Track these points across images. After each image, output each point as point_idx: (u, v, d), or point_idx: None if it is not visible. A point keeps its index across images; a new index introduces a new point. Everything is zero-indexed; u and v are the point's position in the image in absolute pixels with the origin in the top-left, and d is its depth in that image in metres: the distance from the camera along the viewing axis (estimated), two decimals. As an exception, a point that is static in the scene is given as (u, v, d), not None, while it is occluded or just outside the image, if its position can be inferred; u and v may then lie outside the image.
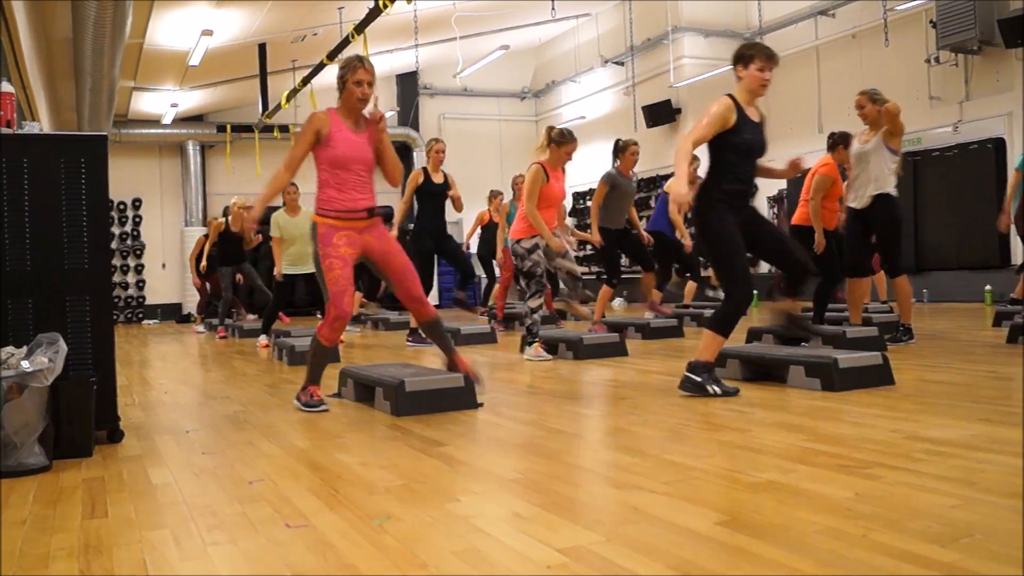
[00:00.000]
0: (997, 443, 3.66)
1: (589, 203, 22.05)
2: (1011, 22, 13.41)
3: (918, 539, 2.44)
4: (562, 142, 8.02)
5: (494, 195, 13.94)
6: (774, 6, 18.34)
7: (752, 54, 5.58)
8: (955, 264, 14.98)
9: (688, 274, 12.22)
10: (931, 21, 14.92)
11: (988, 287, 13.98)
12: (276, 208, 11.04)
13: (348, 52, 14.24)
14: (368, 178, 5.55)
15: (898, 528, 2.55)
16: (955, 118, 15.02)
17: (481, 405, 5.32)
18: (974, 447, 3.60)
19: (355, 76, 5.45)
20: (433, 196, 10.10)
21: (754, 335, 8.09)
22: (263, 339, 10.98)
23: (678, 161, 5.23)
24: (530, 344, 8.25)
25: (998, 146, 14.27)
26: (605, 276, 9.75)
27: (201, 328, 15.56)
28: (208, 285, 15.37)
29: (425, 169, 10.03)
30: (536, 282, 8.04)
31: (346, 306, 5.42)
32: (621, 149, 9.73)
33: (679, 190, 5.27)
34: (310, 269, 10.66)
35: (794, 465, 3.42)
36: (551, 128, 8.19)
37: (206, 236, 14.92)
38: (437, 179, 10.05)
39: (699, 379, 5.41)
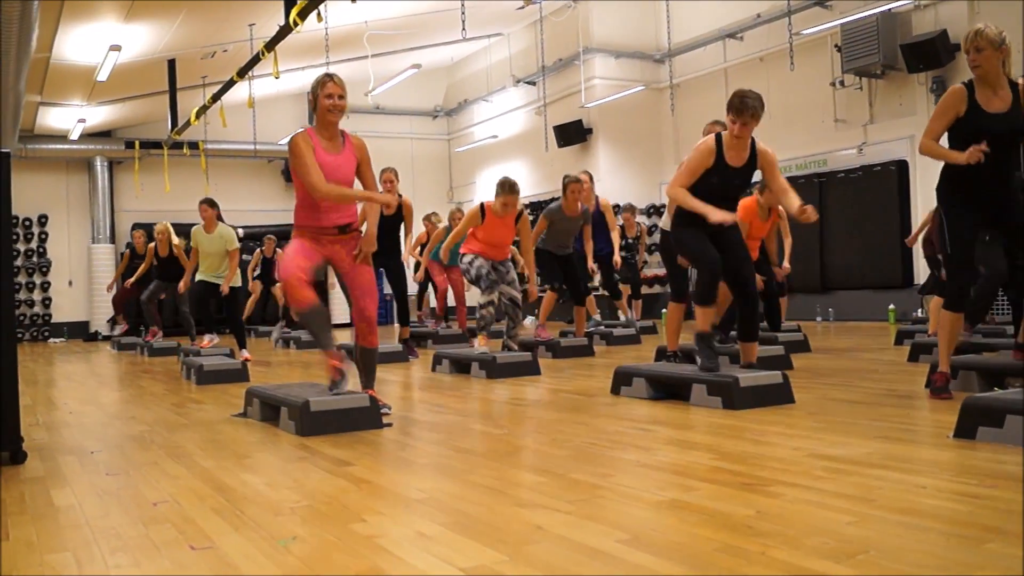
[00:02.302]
0: (893, 460, 3.75)
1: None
2: (913, 47, 13.77)
3: (815, 556, 2.50)
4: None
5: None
6: (683, 29, 18.61)
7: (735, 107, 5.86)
8: (859, 284, 15.30)
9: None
10: (836, 45, 15.25)
11: (892, 306, 14.29)
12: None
13: (259, 69, 14.16)
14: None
15: (796, 545, 2.60)
16: (859, 140, 15.36)
17: (389, 425, 5.31)
18: (871, 464, 3.68)
19: (325, 90, 5.51)
20: None
21: (662, 354, 8.17)
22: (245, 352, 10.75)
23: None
24: (474, 335, 8.83)
25: (901, 168, 14.62)
26: (547, 284, 10.20)
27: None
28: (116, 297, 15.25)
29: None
30: (485, 280, 8.58)
31: (297, 275, 5.33)
32: (563, 187, 10.10)
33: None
34: (219, 280, 10.62)
35: (697, 483, 3.47)
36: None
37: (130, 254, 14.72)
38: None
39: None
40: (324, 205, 5.45)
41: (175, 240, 12.84)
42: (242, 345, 10.60)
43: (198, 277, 10.75)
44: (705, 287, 6.07)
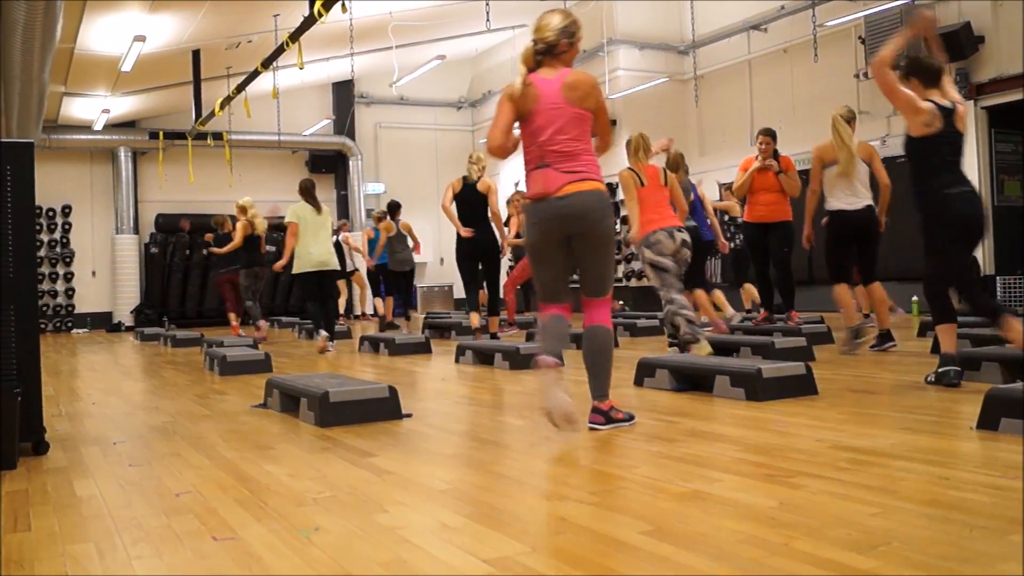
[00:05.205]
0: (917, 451, 3.73)
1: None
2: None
3: (838, 547, 2.49)
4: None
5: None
6: (708, 20, 18.54)
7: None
8: (882, 275, 15.15)
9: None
10: (860, 37, 15.18)
11: (915, 298, 14.20)
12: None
13: (283, 60, 14.18)
14: None
15: (819, 536, 2.59)
16: (883, 132, 15.27)
17: (410, 415, 5.31)
18: (895, 456, 3.66)
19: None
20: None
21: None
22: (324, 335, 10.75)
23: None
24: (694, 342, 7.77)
25: (925, 160, 14.48)
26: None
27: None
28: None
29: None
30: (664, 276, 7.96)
31: None
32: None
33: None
34: (334, 266, 10.72)
35: (720, 475, 3.47)
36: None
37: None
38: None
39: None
40: None
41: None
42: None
43: (308, 269, 10.75)
44: None
